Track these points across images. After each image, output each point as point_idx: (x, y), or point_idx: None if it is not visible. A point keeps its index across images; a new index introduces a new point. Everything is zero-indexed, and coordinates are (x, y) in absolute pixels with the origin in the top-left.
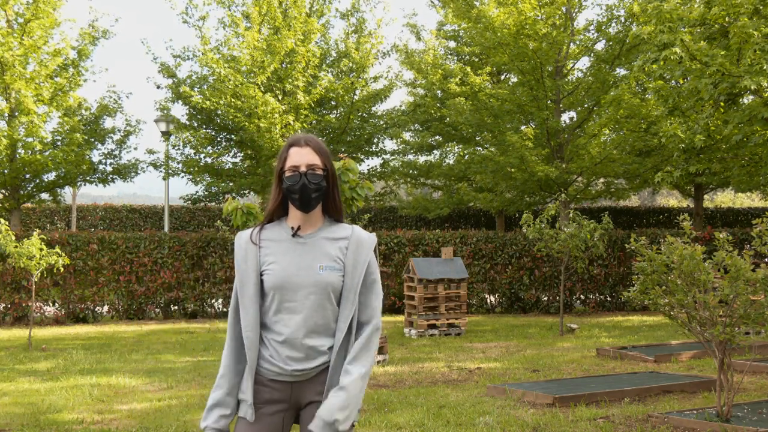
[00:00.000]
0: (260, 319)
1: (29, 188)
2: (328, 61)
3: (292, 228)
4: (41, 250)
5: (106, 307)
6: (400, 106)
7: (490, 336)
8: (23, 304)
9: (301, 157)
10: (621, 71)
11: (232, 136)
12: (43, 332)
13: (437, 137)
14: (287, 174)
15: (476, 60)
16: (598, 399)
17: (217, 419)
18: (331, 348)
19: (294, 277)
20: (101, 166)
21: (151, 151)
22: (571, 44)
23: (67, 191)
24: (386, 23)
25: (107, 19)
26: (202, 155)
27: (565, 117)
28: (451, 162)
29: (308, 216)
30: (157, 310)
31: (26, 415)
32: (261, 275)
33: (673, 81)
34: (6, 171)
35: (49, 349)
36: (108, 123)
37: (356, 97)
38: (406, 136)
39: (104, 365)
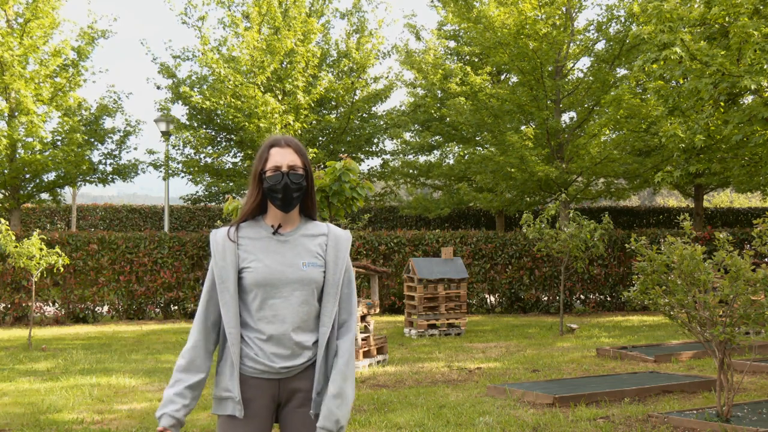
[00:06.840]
0: (241, 317)
1: (29, 188)
2: (328, 61)
3: (272, 226)
4: (41, 250)
5: (106, 307)
6: (400, 106)
7: (490, 336)
8: (23, 304)
9: (283, 158)
10: (621, 71)
11: (232, 136)
12: (43, 332)
13: (437, 137)
14: (268, 174)
15: (476, 60)
16: (598, 399)
17: (180, 408)
18: (315, 343)
19: (278, 274)
20: (101, 166)
21: (151, 151)
22: (571, 44)
23: (67, 191)
24: (387, 24)
25: (106, 21)
26: (202, 155)
27: (565, 117)
28: (451, 162)
29: (287, 215)
30: (157, 310)
31: (26, 415)
32: (240, 273)
33: (673, 81)
34: (6, 171)
35: (49, 349)
36: (108, 123)
37: (356, 97)
38: (406, 136)
39: (104, 365)
